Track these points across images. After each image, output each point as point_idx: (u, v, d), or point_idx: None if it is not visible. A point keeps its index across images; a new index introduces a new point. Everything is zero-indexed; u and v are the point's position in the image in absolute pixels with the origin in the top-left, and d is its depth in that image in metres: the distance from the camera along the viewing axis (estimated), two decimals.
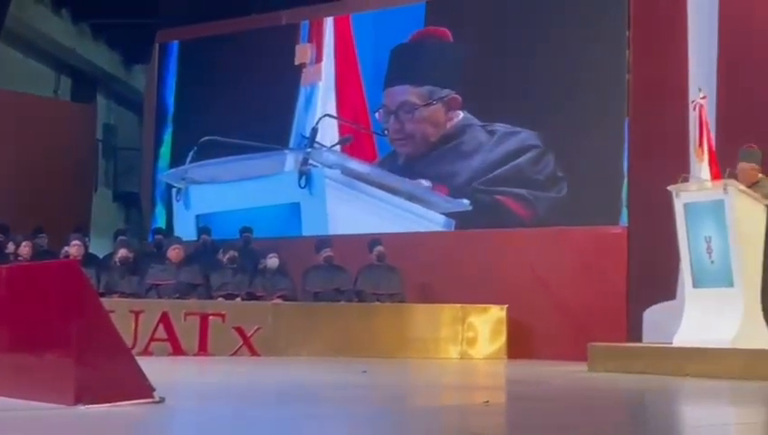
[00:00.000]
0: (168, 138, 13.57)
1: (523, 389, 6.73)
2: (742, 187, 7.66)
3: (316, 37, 12.62)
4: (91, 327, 4.50)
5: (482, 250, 10.95)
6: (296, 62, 12.66)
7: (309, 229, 12.03)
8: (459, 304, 10.43)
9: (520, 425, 4.54)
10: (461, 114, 11.52)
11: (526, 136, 11.02)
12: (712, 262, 7.63)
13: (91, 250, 11.44)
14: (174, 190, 13.11)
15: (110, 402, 4.40)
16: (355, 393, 5.84)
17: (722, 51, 9.74)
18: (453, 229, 11.43)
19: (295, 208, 12.17)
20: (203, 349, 9.73)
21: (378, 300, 10.61)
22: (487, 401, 5.13)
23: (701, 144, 8.58)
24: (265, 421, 4.49)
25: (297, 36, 12.75)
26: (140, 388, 4.52)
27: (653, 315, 9.79)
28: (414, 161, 11.76)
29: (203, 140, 12.66)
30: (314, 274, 10.80)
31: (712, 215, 7.64)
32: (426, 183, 11.54)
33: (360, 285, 10.73)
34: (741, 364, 7.21)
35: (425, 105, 11.69)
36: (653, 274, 9.80)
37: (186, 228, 12.62)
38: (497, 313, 10.41)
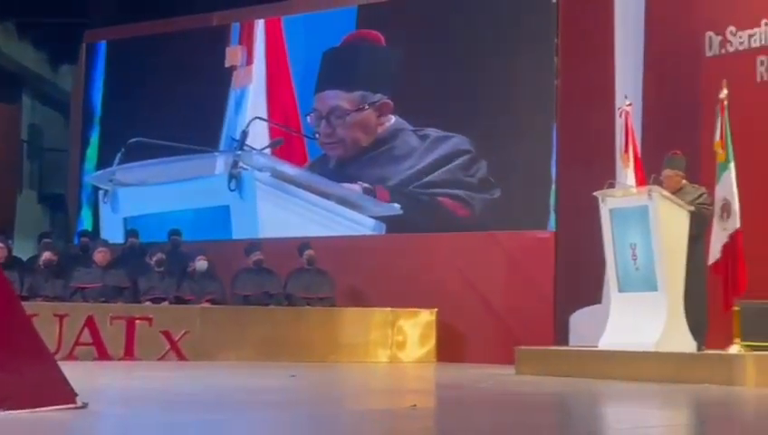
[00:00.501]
0: (95, 139, 13.36)
1: (450, 392, 6.76)
2: (666, 193, 7.78)
3: (247, 39, 12.54)
4: (12, 331, 4.40)
5: (412, 254, 10.98)
6: (227, 65, 12.56)
7: (239, 232, 11.94)
8: (389, 308, 10.44)
9: (447, 429, 4.56)
10: (393, 119, 11.54)
11: (458, 141, 11.09)
12: (636, 267, 7.75)
13: (14, 253, 11.19)
14: (101, 192, 12.91)
15: (31, 408, 4.31)
16: (282, 398, 5.81)
17: (648, 59, 9.91)
18: (383, 233, 11.44)
19: (225, 211, 12.06)
20: (129, 353, 9.60)
21: (308, 304, 10.57)
22: (415, 405, 5.13)
23: (627, 151, 8.72)
24: (191, 427, 4.44)
25: (228, 38, 12.66)
26: (63, 393, 4.44)
27: (579, 319, 9.92)
28: (345, 165, 11.75)
29: (131, 141, 12.48)
30: (244, 277, 10.72)
31: (637, 220, 7.76)
32: (358, 187, 11.53)
33: (290, 288, 10.68)
34: (664, 367, 7.34)
35: (356, 110, 11.69)
36: (580, 278, 9.92)
37: (113, 231, 12.43)
38: (427, 316, 10.45)
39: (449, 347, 10.41)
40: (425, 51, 11.38)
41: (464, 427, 4.51)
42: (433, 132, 11.27)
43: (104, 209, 12.84)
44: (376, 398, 6.20)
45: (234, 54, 12.53)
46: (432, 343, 10.41)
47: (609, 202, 7.93)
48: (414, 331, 10.43)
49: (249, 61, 12.47)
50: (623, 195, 7.99)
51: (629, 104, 8.90)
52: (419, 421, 4.70)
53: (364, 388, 7.06)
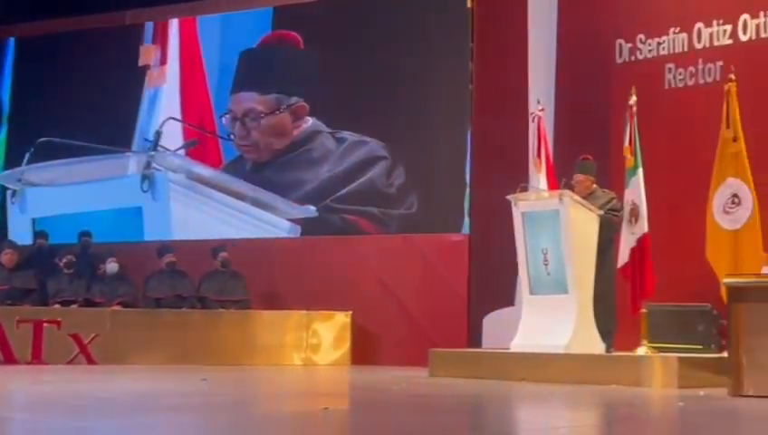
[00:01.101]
0: (2, 137, 13.03)
1: (364, 395, 6.76)
2: (577, 197, 7.91)
3: (161, 39, 12.37)
4: None
5: (327, 256, 10.96)
6: (140, 64, 12.37)
7: (151, 234, 11.77)
8: (304, 311, 10.41)
9: (357, 431, 4.55)
10: (310, 120, 11.50)
11: (374, 146, 11.10)
12: (548, 270, 7.86)
13: None
14: (9, 192, 12.58)
15: None
16: (192, 402, 5.73)
17: (560, 65, 10.06)
18: (298, 236, 11.39)
19: (137, 213, 11.88)
20: (37, 357, 9.39)
21: (221, 307, 10.47)
22: (326, 408, 5.12)
23: (539, 155, 8.87)
24: (100, 432, 4.35)
25: (141, 37, 12.47)
26: None
27: (492, 321, 10.01)
28: (261, 167, 11.68)
29: (40, 140, 12.19)
30: (156, 279, 10.58)
31: (548, 224, 7.87)
32: (270, 194, 11.48)
33: (204, 291, 10.57)
34: (574, 369, 7.45)
35: (271, 113, 11.62)
36: (493, 280, 10.02)
37: (21, 232, 12.13)
38: (342, 319, 10.44)
39: (364, 350, 10.42)
40: (341, 53, 11.37)
41: (376, 429, 4.51)
42: (349, 136, 11.27)
43: (12, 210, 12.52)
44: (287, 401, 6.16)
45: (147, 53, 12.35)
46: (347, 345, 10.40)
47: (522, 206, 8.02)
48: (329, 333, 10.41)
49: (163, 60, 12.30)
50: (535, 199, 8.10)
51: (542, 109, 9.05)
52: (331, 424, 4.68)
53: (276, 391, 7.01)
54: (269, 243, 11.32)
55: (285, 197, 11.45)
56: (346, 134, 11.28)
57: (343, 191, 11.13)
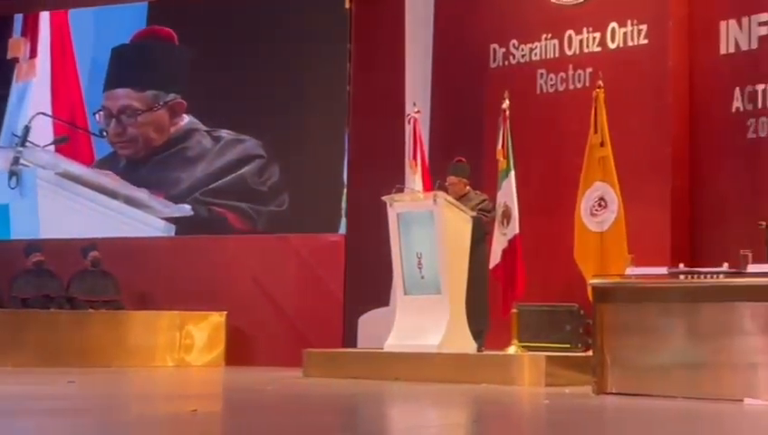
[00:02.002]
0: None
1: (236, 396, 6.70)
2: (450, 198, 8.01)
3: (31, 32, 12.00)
4: None
5: (202, 256, 10.83)
6: (8, 57, 11.98)
7: (18, 232, 11.42)
8: (177, 311, 10.25)
9: (227, 433, 4.51)
10: (186, 118, 11.35)
11: (251, 145, 11.03)
12: (421, 271, 7.93)
13: None
14: None
15: None
16: (57, 405, 5.58)
17: (436, 68, 10.17)
18: (173, 235, 11.22)
19: (4, 210, 11.50)
20: None
21: (91, 307, 10.23)
22: (195, 410, 5.05)
23: (415, 157, 8.95)
24: None
25: (10, 29, 12.07)
26: None
27: (368, 321, 10.05)
28: (136, 165, 11.45)
29: None
30: (23, 279, 10.29)
31: (422, 225, 7.95)
32: (144, 192, 11.27)
33: (73, 291, 10.32)
34: (446, 368, 7.55)
35: (148, 110, 11.41)
36: (369, 280, 10.05)
37: None
38: (216, 319, 10.33)
39: (239, 350, 10.33)
40: (218, 50, 11.24)
41: (245, 431, 4.48)
42: (226, 134, 11.16)
43: None
44: (156, 404, 6.06)
45: (16, 46, 11.97)
46: (221, 346, 10.30)
47: (397, 206, 8.08)
48: (202, 334, 10.29)
49: (33, 54, 11.94)
50: (410, 200, 8.17)
51: (418, 112, 9.13)
52: (199, 427, 4.62)
53: (146, 393, 6.89)
54: (142, 242, 11.11)
55: (160, 195, 11.26)
56: (223, 132, 11.17)
57: (213, 186, 11.01)
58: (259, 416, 5.18)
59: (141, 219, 11.27)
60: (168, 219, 11.24)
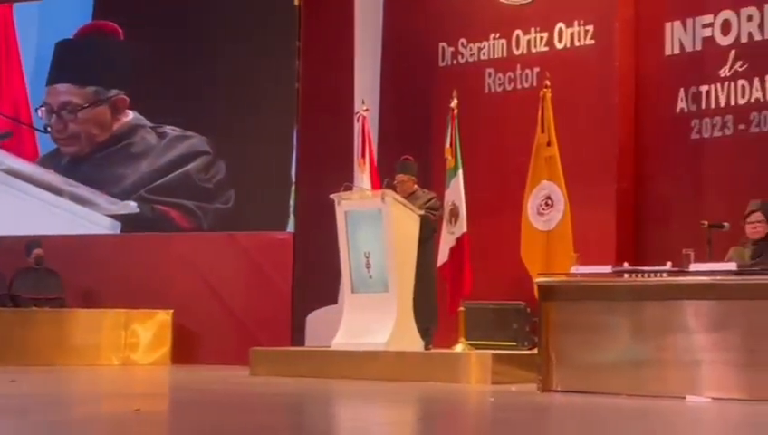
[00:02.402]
0: None
1: (181, 395, 6.65)
2: (398, 197, 8.03)
3: None
4: None
5: (148, 254, 10.72)
6: None
7: None
8: (123, 310, 10.14)
9: (170, 432, 4.47)
10: (131, 114, 11.22)
11: (197, 141, 10.94)
12: (369, 270, 7.93)
13: None
14: None
15: None
16: None
17: (385, 66, 10.18)
18: (119, 232, 11.10)
19: None
20: None
21: (35, 305, 10.09)
22: (138, 409, 5.00)
23: (363, 155, 8.95)
24: None
25: None
26: None
27: (316, 319, 10.03)
28: (80, 161, 11.31)
29: None
30: None
31: (371, 223, 7.95)
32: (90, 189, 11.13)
33: (16, 289, 10.15)
34: (394, 366, 7.56)
35: (89, 106, 11.27)
36: (317, 279, 10.04)
37: None
38: (162, 318, 10.24)
39: (185, 349, 10.25)
40: (165, 46, 11.13)
41: (189, 430, 4.44)
42: (171, 130, 11.06)
43: None
44: (98, 403, 5.98)
45: None
46: (167, 344, 10.21)
47: (345, 205, 8.08)
48: (148, 333, 10.19)
49: None
50: (358, 198, 8.17)
51: (366, 110, 9.13)
52: (141, 426, 4.57)
53: (90, 393, 6.80)
54: (87, 239, 10.97)
55: (105, 192, 11.12)
56: (168, 129, 11.07)
57: (158, 183, 10.91)
58: (204, 415, 5.14)
59: (86, 217, 11.12)
60: (114, 217, 11.11)
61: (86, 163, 11.29)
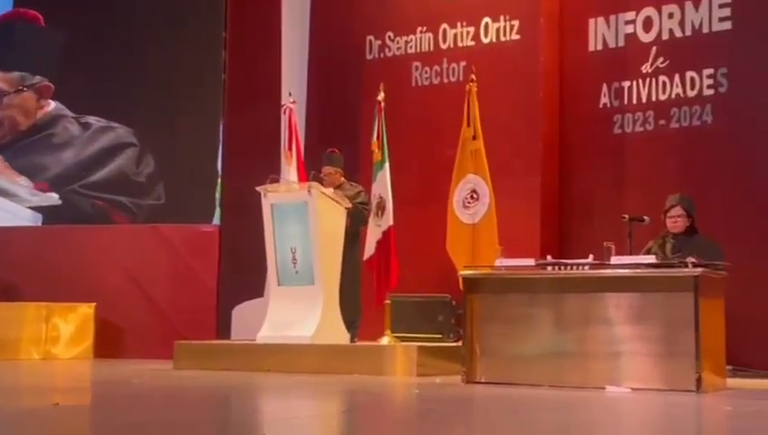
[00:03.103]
0: None
1: (101, 389, 6.56)
2: (325, 189, 8.02)
3: None
4: None
5: (71, 246, 10.55)
6: None
7: None
8: (44, 303, 9.96)
9: (87, 428, 4.41)
10: (53, 104, 11.02)
11: (122, 132, 10.80)
12: (295, 262, 7.91)
13: None
14: None
15: None
16: None
17: (312, 58, 10.16)
18: (40, 224, 10.90)
19: None
20: None
21: None
22: (57, 404, 4.92)
23: (290, 147, 8.92)
24: None
25: None
26: None
27: (242, 313, 9.99)
28: (1, 150, 11.08)
29: None
30: None
31: (297, 216, 7.93)
32: (10, 180, 10.90)
33: None
34: (319, 359, 7.56)
35: (15, 91, 11.04)
36: (243, 272, 9.99)
37: None
38: (85, 311, 10.09)
39: (108, 343, 10.12)
40: (88, 34, 10.95)
41: (109, 424, 4.39)
42: (95, 121, 10.90)
43: None
44: (18, 397, 5.88)
45: None
46: (90, 338, 10.06)
47: (271, 197, 8.05)
48: (70, 326, 10.02)
49: None
50: (285, 190, 8.14)
51: (293, 102, 9.10)
52: (60, 420, 4.50)
53: (8, 387, 6.66)
54: (6, 231, 10.76)
55: (25, 183, 10.91)
56: (92, 119, 10.90)
57: (93, 178, 10.74)
58: (124, 409, 5.08)
59: (6, 208, 10.91)
60: (36, 208, 10.90)
61: (6, 152, 11.07)
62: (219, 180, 10.49)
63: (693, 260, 6.05)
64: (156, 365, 8.31)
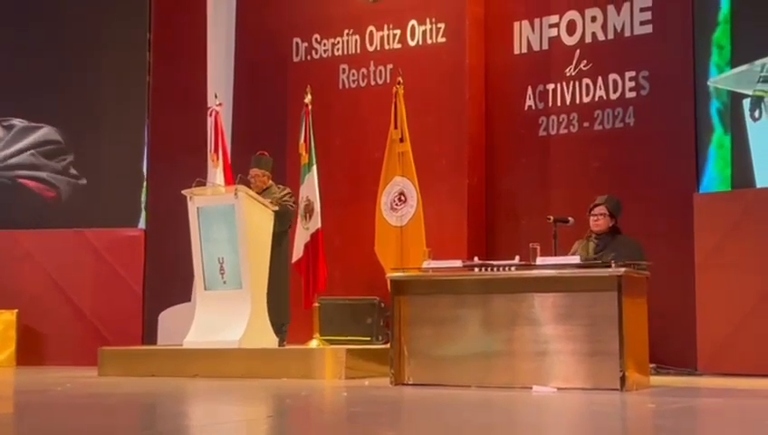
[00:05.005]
0: None
1: (24, 397, 6.44)
2: (252, 192, 7.99)
3: None
4: None
5: None
6: None
7: None
8: None
9: None
10: None
11: (47, 131, 10.60)
12: (222, 266, 7.86)
13: None
14: None
15: None
16: None
17: (238, 59, 10.11)
18: None
19: None
20: None
21: None
22: None
23: (216, 150, 8.86)
24: None
25: None
26: None
27: (168, 318, 9.90)
28: None
29: None
30: None
31: (224, 219, 7.88)
32: None
33: None
34: (247, 363, 7.52)
35: None
36: (169, 276, 9.90)
37: None
38: (6, 318, 9.89)
39: (31, 350, 9.94)
40: (9, 35, 10.73)
41: (33, 433, 4.31)
42: (19, 122, 10.69)
43: None
44: None
45: None
46: (12, 346, 9.87)
47: (197, 200, 7.99)
48: None
49: None
50: (211, 193, 8.09)
51: (219, 104, 9.05)
52: None
53: None
54: None
55: None
56: (15, 121, 10.68)
57: (8, 162, 10.54)
58: (49, 417, 5.00)
59: None
60: None
61: None
62: (145, 183, 10.37)
63: (617, 261, 6.15)
64: (80, 372, 8.19)
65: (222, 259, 7.88)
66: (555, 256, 6.75)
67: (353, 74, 9.50)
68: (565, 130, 8.71)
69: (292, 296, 8.26)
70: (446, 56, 9.07)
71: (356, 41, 9.52)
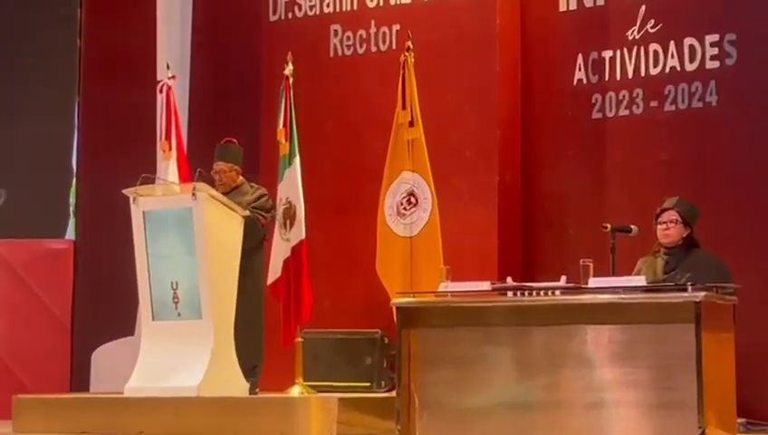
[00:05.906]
0: None
1: None
2: (216, 193, 8.01)
3: None
4: None
5: None
6: None
7: None
8: None
9: None
10: None
11: None
12: (176, 289, 7.89)
13: None
14: None
15: None
16: None
17: (197, 21, 10.16)
18: None
19: None
20: None
21: None
22: None
23: (168, 137, 8.90)
24: None
25: None
26: None
27: (104, 357, 9.95)
28: None
29: None
30: None
31: (178, 227, 7.91)
32: None
33: None
34: (209, 416, 7.53)
35: None
36: (107, 302, 9.96)
37: None
38: None
39: None
40: None
41: None
42: None
43: None
44: None
45: None
46: None
47: (144, 203, 8.03)
48: None
49: None
50: (162, 194, 8.13)
51: (173, 77, 9.09)
52: None
53: None
54: None
55: None
56: None
57: None
58: None
59: None
60: None
61: None
62: (74, 181, 10.42)
63: (694, 283, 6.16)
64: None
65: (176, 282, 7.89)
66: (613, 276, 6.76)
67: (348, 38, 9.51)
68: (626, 112, 8.70)
69: (267, 329, 8.29)
70: (470, 14, 9.07)
71: None
